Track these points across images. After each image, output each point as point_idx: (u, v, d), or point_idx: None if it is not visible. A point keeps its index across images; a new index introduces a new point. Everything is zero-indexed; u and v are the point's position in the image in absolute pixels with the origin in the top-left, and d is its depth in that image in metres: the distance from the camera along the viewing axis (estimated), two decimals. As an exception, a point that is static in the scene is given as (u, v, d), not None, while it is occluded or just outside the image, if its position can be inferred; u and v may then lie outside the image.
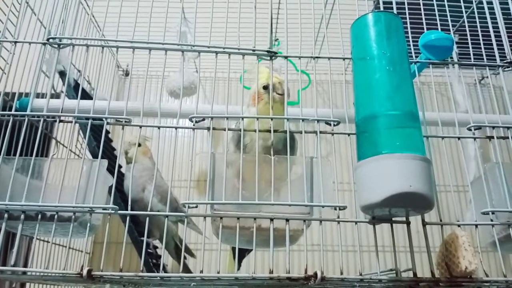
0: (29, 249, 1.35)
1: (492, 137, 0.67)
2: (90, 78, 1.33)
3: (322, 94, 1.62)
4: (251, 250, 0.86)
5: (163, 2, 0.71)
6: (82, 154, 1.27)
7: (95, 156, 1.04)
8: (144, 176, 1.16)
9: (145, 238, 0.65)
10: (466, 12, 0.89)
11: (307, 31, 0.72)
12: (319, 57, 0.71)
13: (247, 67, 0.71)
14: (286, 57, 0.70)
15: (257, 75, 0.73)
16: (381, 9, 0.76)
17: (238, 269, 0.85)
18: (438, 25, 0.81)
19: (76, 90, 1.11)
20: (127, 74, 1.66)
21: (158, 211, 1.00)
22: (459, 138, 0.68)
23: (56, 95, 1.05)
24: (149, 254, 1.23)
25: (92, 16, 0.95)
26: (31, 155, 0.63)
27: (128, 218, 0.60)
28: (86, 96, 1.27)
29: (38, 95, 0.71)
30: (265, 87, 0.75)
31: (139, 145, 1.17)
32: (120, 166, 1.17)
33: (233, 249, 0.85)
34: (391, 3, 0.78)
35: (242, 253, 0.86)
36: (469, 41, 0.81)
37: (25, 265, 1.29)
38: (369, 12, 0.64)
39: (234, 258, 0.85)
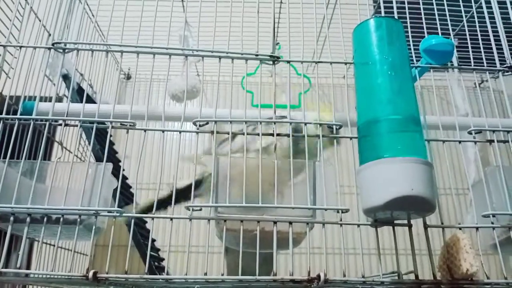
0: (31, 251, 1.36)
1: (493, 141, 0.68)
2: (92, 81, 1.34)
3: (322, 97, 1.63)
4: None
5: (167, 7, 0.72)
6: (85, 157, 1.28)
7: (98, 159, 1.04)
8: None
9: (149, 243, 0.66)
10: (466, 16, 0.90)
11: (308, 35, 0.73)
12: (321, 62, 0.71)
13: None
14: (288, 62, 0.70)
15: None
16: (382, 13, 0.76)
17: None
18: (439, 29, 0.81)
19: (78, 94, 1.12)
20: (128, 78, 1.67)
21: None
22: (460, 142, 0.69)
23: (58, 99, 1.06)
24: (152, 257, 1.23)
25: (95, 22, 0.96)
26: (29, 158, 0.63)
27: (133, 220, 0.61)
28: (88, 99, 1.27)
29: (40, 99, 0.72)
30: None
31: None
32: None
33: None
34: (392, 7, 0.78)
35: None
36: (469, 45, 0.82)
37: (27, 268, 1.29)
38: (370, 18, 0.65)
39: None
